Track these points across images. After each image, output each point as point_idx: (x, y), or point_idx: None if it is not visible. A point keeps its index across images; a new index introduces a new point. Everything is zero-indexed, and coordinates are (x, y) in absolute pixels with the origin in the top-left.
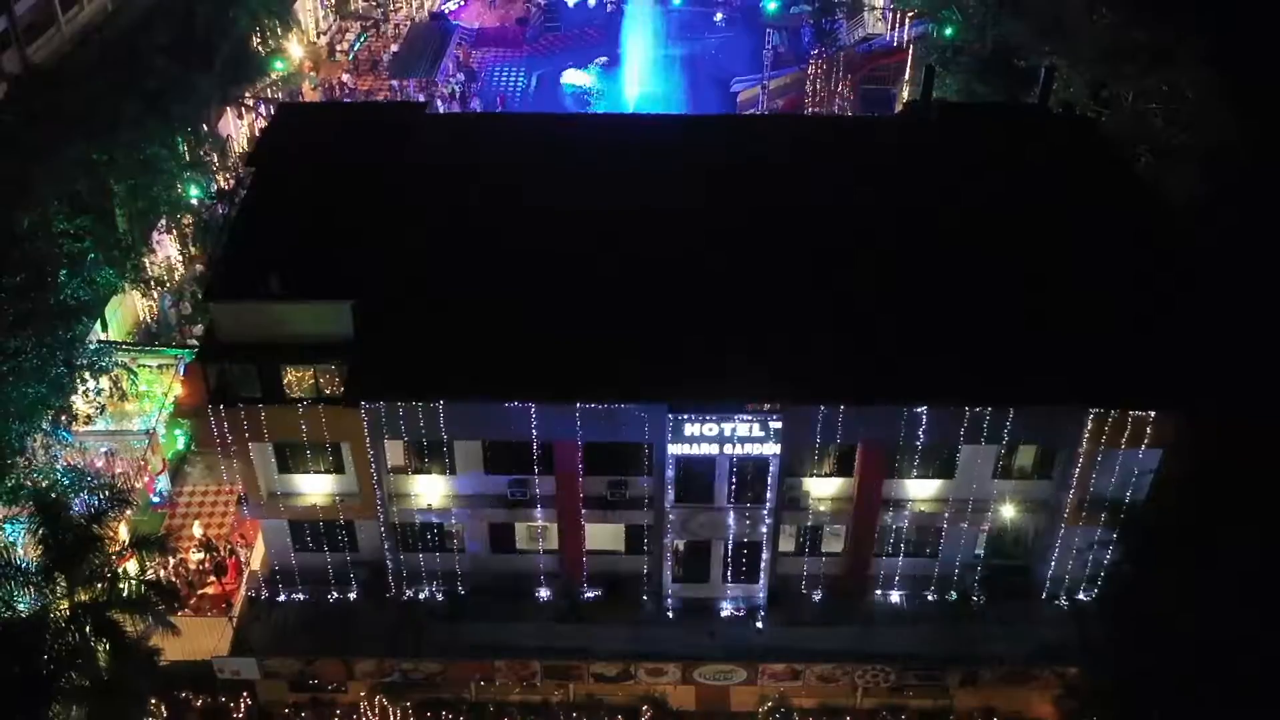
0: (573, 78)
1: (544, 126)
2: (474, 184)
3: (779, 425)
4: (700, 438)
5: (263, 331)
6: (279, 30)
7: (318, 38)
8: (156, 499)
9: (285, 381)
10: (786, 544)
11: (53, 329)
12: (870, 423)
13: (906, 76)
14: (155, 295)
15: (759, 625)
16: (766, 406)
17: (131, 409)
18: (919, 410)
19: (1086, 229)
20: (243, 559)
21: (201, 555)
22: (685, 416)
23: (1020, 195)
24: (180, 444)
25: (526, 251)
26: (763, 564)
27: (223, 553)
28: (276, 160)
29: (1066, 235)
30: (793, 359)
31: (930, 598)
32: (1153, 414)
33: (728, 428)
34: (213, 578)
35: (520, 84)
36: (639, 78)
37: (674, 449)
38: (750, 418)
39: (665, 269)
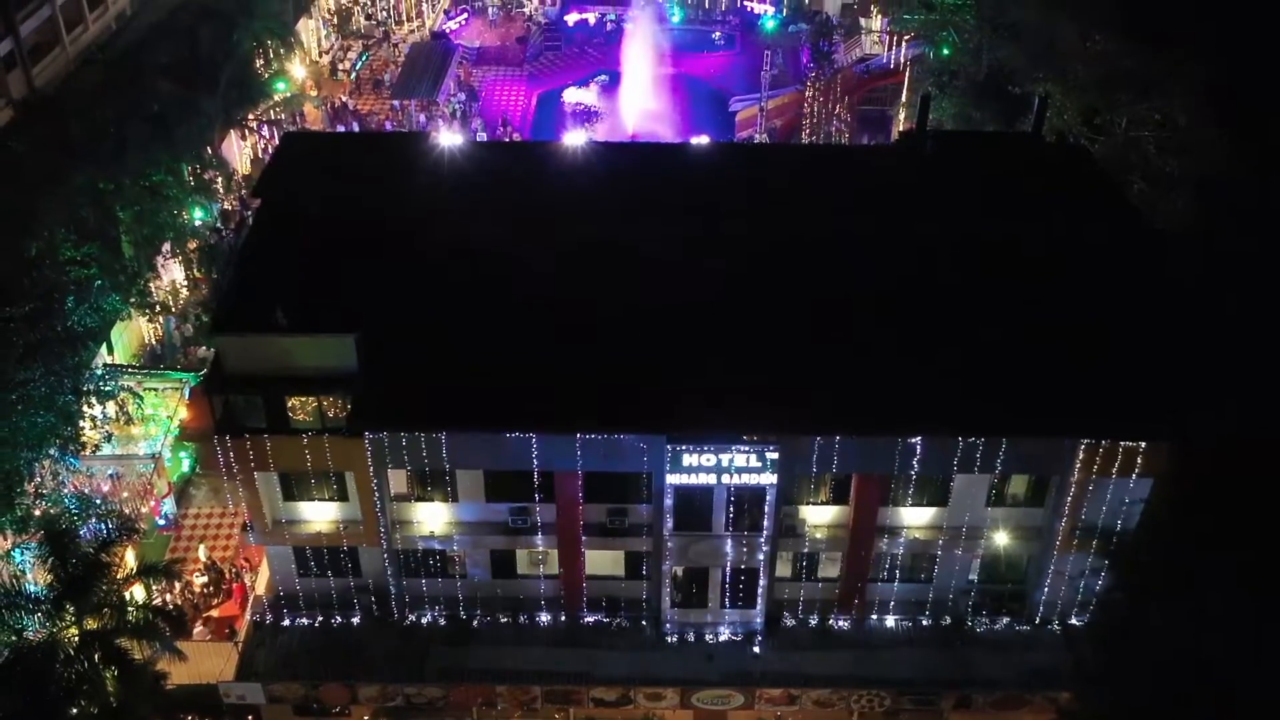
0: (574, 96)
1: (544, 156)
2: (476, 215)
3: (775, 456)
4: (698, 468)
5: (268, 364)
6: (282, 51)
7: (320, 56)
8: (162, 522)
9: (290, 412)
10: (784, 569)
11: (60, 356)
12: (865, 453)
13: (903, 99)
14: (160, 320)
15: (756, 650)
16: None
17: (137, 432)
18: (913, 441)
19: (1079, 259)
20: (247, 583)
21: (205, 579)
22: (683, 447)
23: (1014, 226)
24: (185, 466)
25: (528, 282)
26: (760, 590)
27: (228, 576)
28: (281, 191)
29: (1059, 265)
30: (789, 390)
31: (925, 622)
32: (1143, 444)
33: (725, 458)
34: (217, 600)
35: (521, 102)
36: (638, 96)
37: (672, 478)
38: (747, 449)
39: (663, 300)
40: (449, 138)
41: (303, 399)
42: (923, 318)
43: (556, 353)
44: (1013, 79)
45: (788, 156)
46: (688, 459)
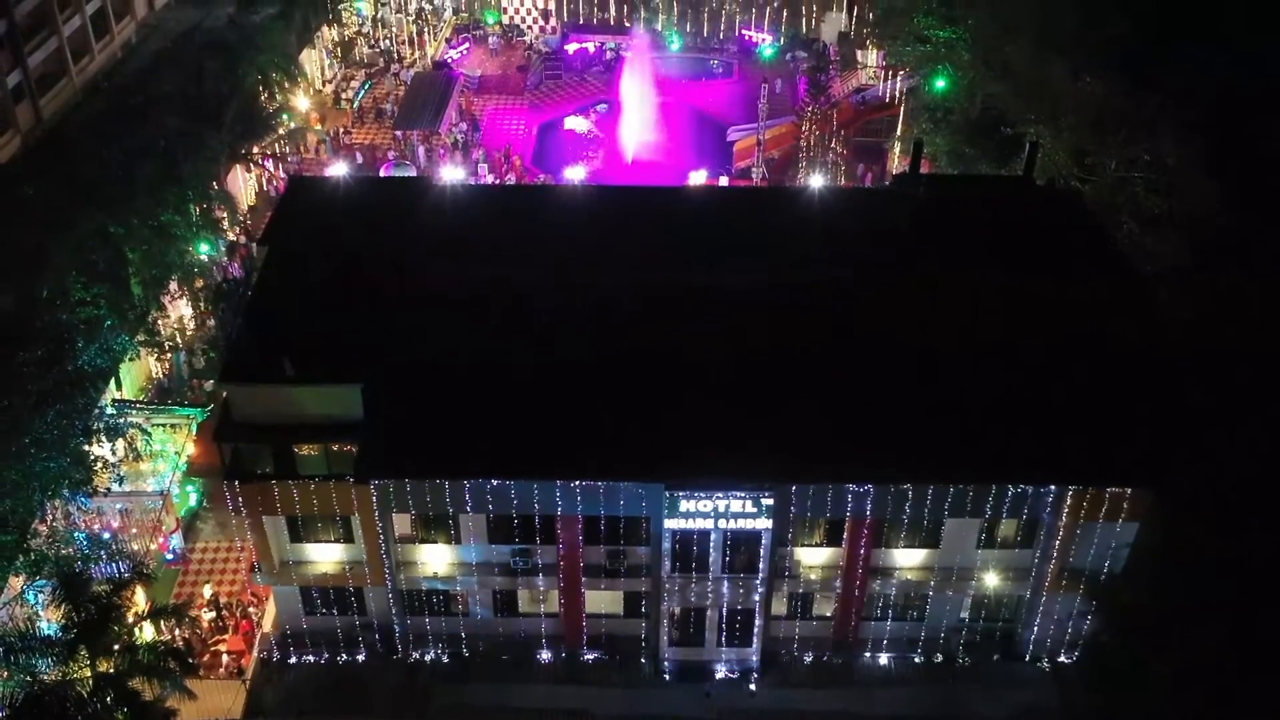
0: (574, 124)
1: (545, 200)
2: (478, 262)
3: (770, 502)
4: (695, 513)
5: (276, 412)
6: (286, 84)
7: (323, 86)
8: (170, 557)
9: (297, 459)
10: (779, 607)
11: (71, 398)
12: (858, 499)
13: (899, 132)
14: (169, 355)
15: (752, 687)
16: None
17: (145, 469)
18: (904, 488)
19: (1068, 308)
20: (254, 618)
21: (213, 615)
22: (681, 493)
23: (1005, 275)
24: (193, 501)
25: (529, 329)
26: (756, 629)
27: (234, 613)
28: (288, 238)
29: (1049, 314)
30: (783, 438)
31: (917, 660)
32: (1128, 489)
33: (721, 504)
34: (223, 637)
35: (522, 131)
36: (637, 126)
37: (670, 523)
38: (743, 495)
39: (661, 347)
40: (451, 173)
41: (310, 447)
42: (914, 365)
43: (557, 399)
44: (1005, 118)
45: (784, 201)
46: (685, 504)
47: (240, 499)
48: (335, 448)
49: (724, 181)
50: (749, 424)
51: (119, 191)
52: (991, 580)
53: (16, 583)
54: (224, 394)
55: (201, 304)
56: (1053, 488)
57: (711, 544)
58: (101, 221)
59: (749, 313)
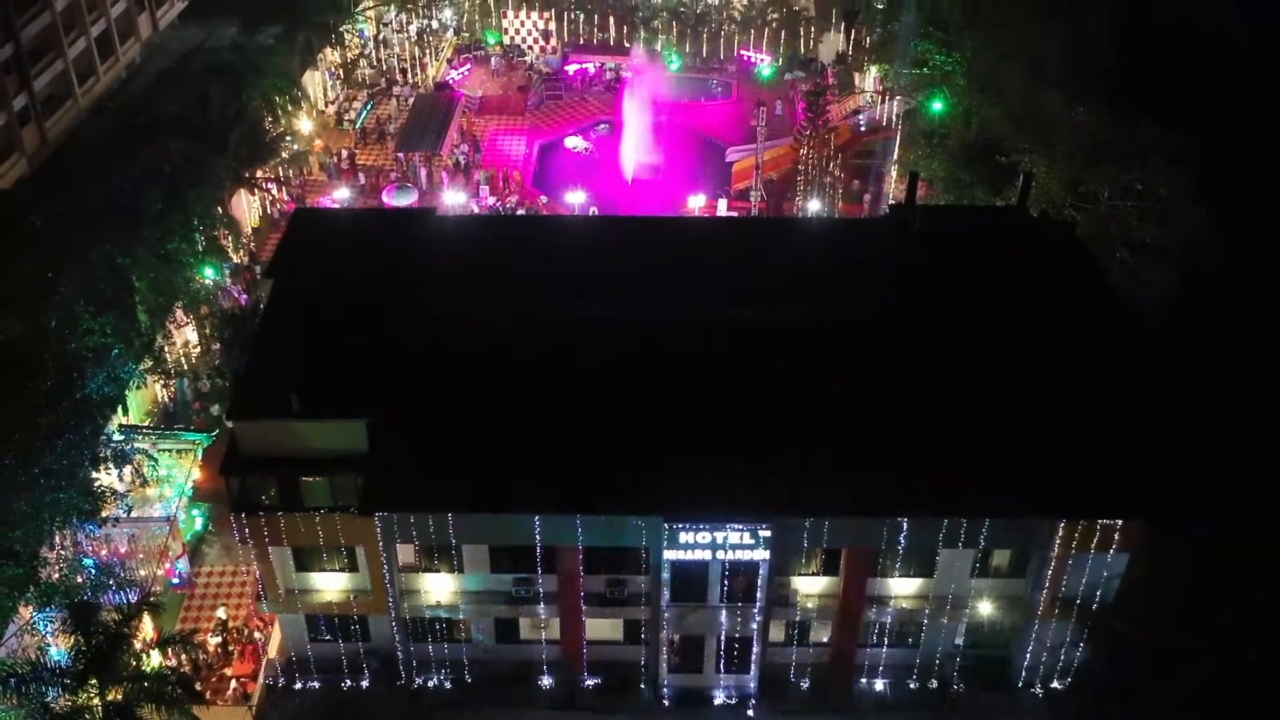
0: (575, 144)
1: (546, 232)
2: (480, 295)
3: (768, 534)
4: (694, 544)
5: (283, 446)
6: (290, 107)
7: (326, 106)
8: (176, 581)
9: (303, 489)
10: (777, 634)
11: (79, 427)
12: (854, 530)
13: (895, 156)
14: (174, 383)
15: (750, 713)
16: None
17: (152, 494)
18: (901, 521)
19: (1060, 342)
20: (260, 642)
21: (219, 639)
22: (680, 526)
23: (998, 309)
24: (198, 525)
25: (530, 364)
26: (754, 656)
27: (240, 637)
28: (293, 272)
29: (1042, 348)
30: (780, 471)
31: (913, 685)
32: (1120, 521)
33: (720, 536)
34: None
35: (523, 152)
36: (637, 146)
37: (669, 554)
38: (741, 527)
39: (660, 379)
40: (453, 196)
41: (316, 480)
42: (909, 399)
43: (558, 431)
44: (1000, 146)
45: (781, 232)
46: (684, 536)
47: (247, 530)
48: (340, 479)
49: (723, 204)
50: (747, 456)
51: (126, 221)
52: (985, 608)
53: (26, 612)
54: (231, 427)
55: (208, 329)
56: (1045, 521)
57: (710, 574)
58: (109, 251)
59: (747, 346)
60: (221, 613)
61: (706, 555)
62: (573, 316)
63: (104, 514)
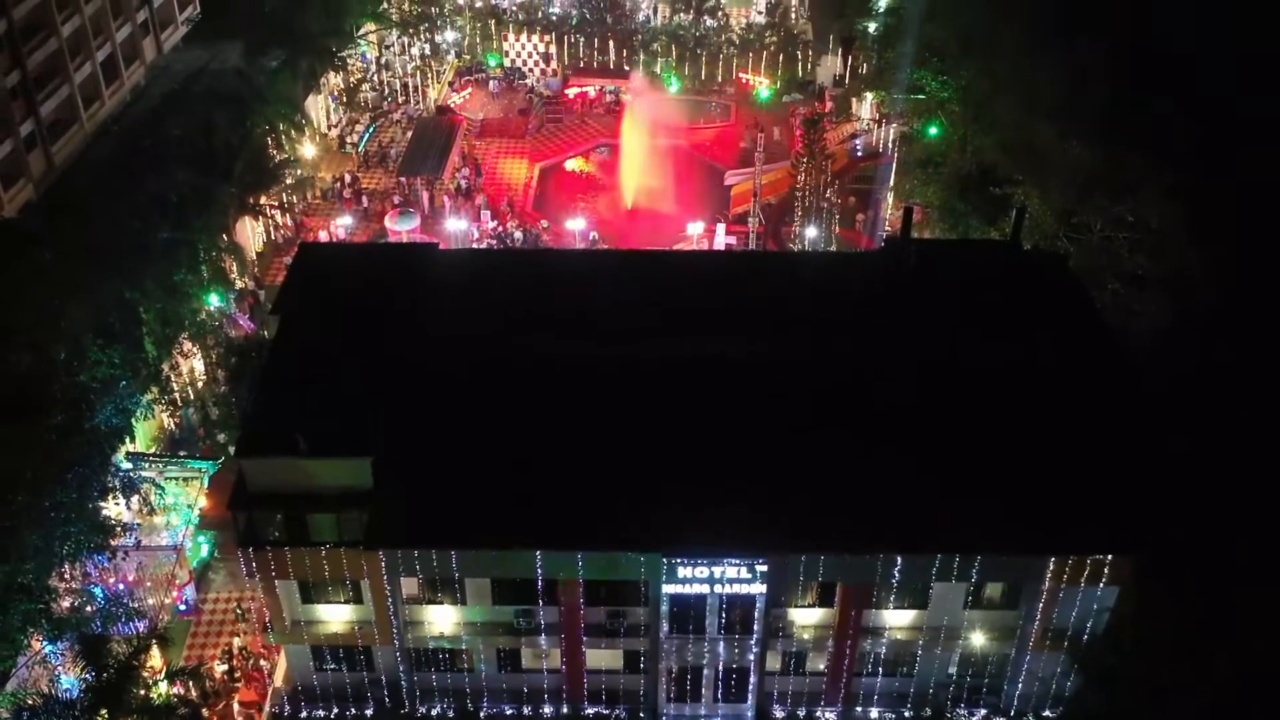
0: (574, 167)
1: (547, 266)
2: (482, 331)
3: (765, 568)
4: (692, 579)
5: (289, 483)
6: (293, 134)
7: (328, 130)
8: (183, 607)
9: (309, 527)
10: (773, 663)
11: (89, 459)
12: (849, 565)
13: (891, 182)
14: (180, 412)
15: None
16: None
17: (159, 522)
18: (894, 557)
19: (1052, 378)
20: (266, 669)
21: (225, 667)
22: (678, 561)
23: (991, 345)
24: (204, 552)
25: (531, 400)
26: (751, 685)
27: (246, 663)
28: (299, 310)
29: (1034, 384)
30: (777, 507)
31: (907, 714)
32: (1109, 556)
33: (717, 570)
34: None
35: (523, 175)
36: (637, 170)
37: (668, 588)
38: (738, 562)
39: (658, 416)
40: (454, 223)
41: (321, 516)
42: (904, 435)
43: (560, 467)
44: (995, 176)
45: (777, 267)
46: (683, 571)
47: (254, 565)
48: (346, 515)
49: (721, 229)
50: (745, 492)
51: (135, 254)
52: (978, 639)
53: (38, 643)
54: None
55: (213, 357)
56: (1036, 556)
57: (708, 607)
58: (118, 286)
59: (745, 382)
60: (237, 642)
61: (705, 589)
62: (573, 353)
63: (113, 546)
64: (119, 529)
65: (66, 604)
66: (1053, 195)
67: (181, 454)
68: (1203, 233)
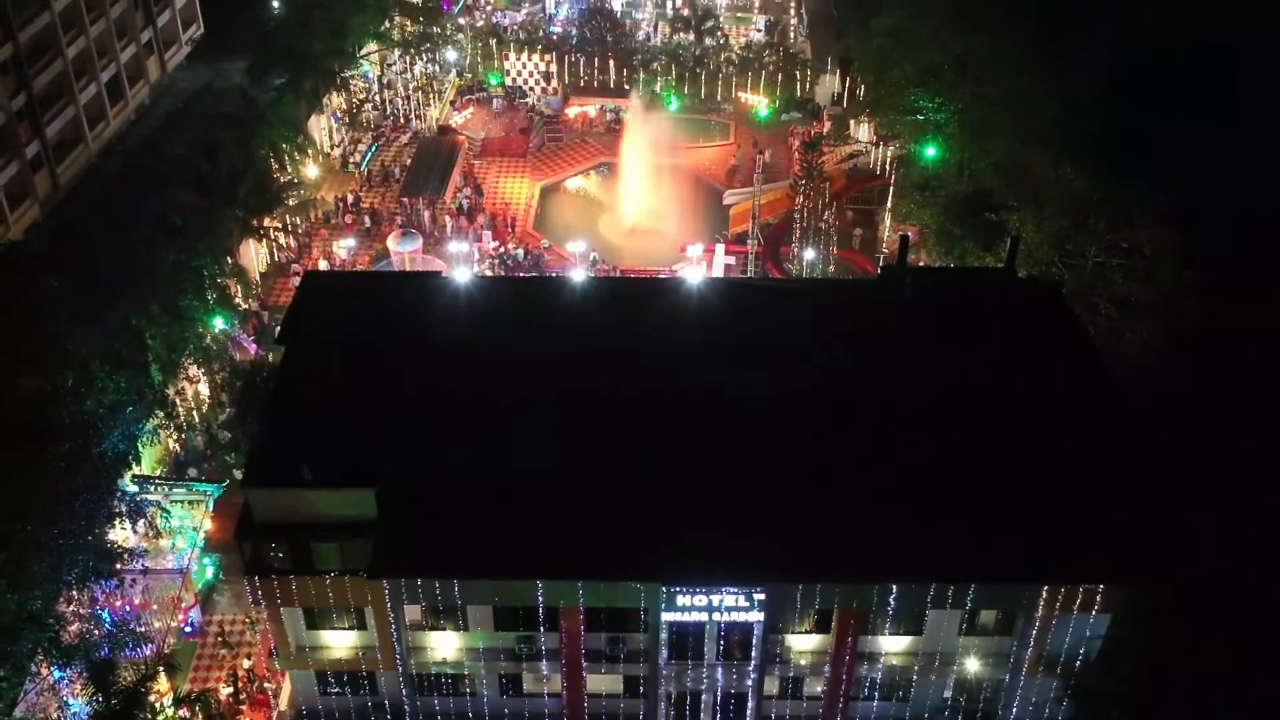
0: (574, 186)
1: (550, 295)
2: (487, 360)
3: (762, 597)
4: (691, 607)
5: (295, 513)
6: (296, 155)
7: (331, 150)
8: (188, 629)
9: (314, 556)
10: (771, 687)
11: (95, 486)
12: (845, 593)
13: (889, 205)
14: (184, 439)
15: None
16: None
17: (165, 544)
18: (890, 586)
19: (1047, 409)
20: (271, 691)
21: (230, 690)
22: (678, 590)
23: (986, 376)
24: (209, 574)
25: (532, 429)
26: (749, 710)
27: (251, 685)
28: (303, 339)
29: (1029, 414)
30: (774, 536)
31: None
32: (1100, 585)
33: (716, 599)
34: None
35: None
36: (637, 186)
37: (667, 616)
38: (736, 591)
39: (657, 445)
40: (456, 246)
41: (326, 545)
42: (899, 465)
43: (561, 498)
44: (991, 201)
45: (774, 297)
46: (681, 600)
47: (260, 592)
48: (350, 544)
49: (720, 249)
50: (743, 521)
51: (141, 281)
52: (973, 665)
53: (46, 670)
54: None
55: (218, 381)
56: (1027, 586)
57: (707, 634)
58: (125, 312)
59: (741, 414)
60: (246, 663)
61: (703, 617)
62: (574, 383)
63: (120, 573)
64: (126, 555)
65: (74, 628)
66: (1047, 220)
67: (190, 473)
68: (1196, 257)
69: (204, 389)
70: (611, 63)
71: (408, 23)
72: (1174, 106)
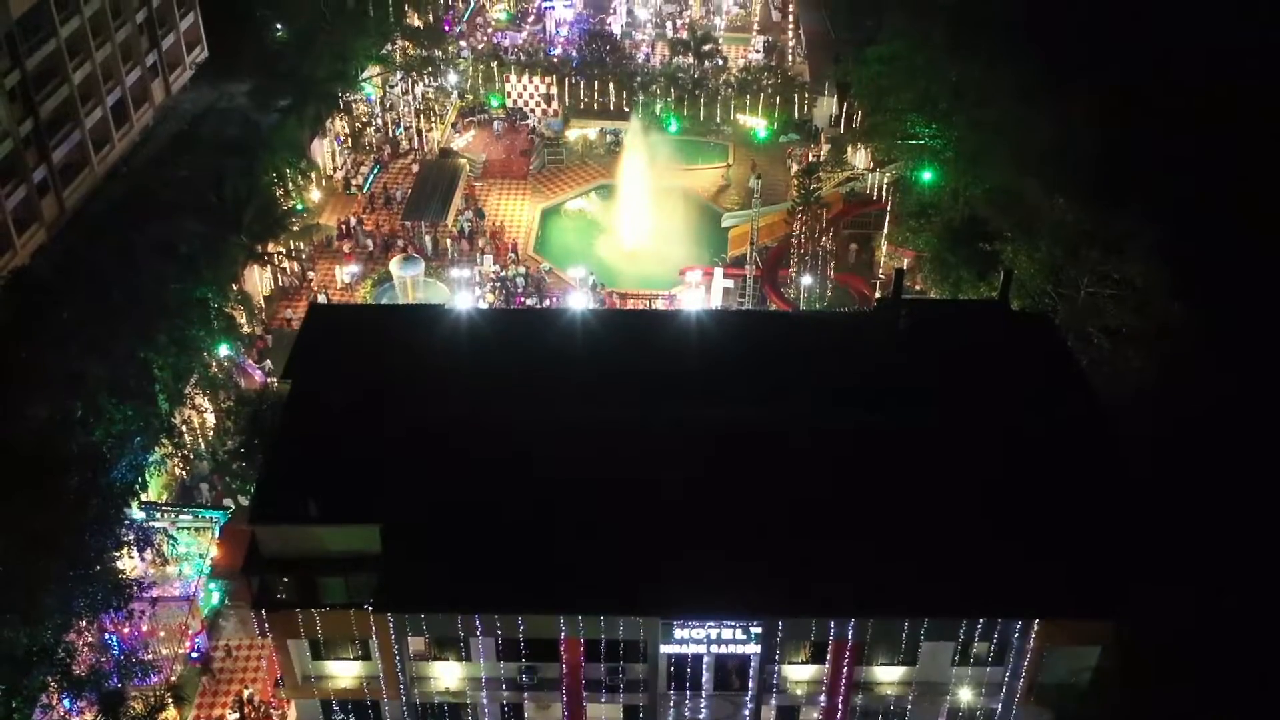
0: (575, 207)
1: (552, 328)
2: (489, 395)
3: (759, 630)
4: (689, 639)
5: (301, 548)
6: (300, 180)
7: (333, 172)
8: (195, 655)
9: (320, 590)
10: (768, 717)
11: (104, 515)
12: (840, 625)
13: (885, 231)
14: (191, 466)
15: None
16: None
17: (171, 571)
18: (884, 620)
19: (1038, 443)
20: (275, 717)
21: (236, 716)
22: (676, 622)
23: (979, 410)
24: (216, 600)
25: (534, 463)
26: None
27: (257, 710)
28: (309, 374)
29: (1020, 449)
30: (771, 570)
31: None
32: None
33: (713, 632)
34: None
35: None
36: (636, 208)
37: (666, 648)
38: (733, 624)
39: (658, 480)
40: (458, 271)
41: (332, 579)
42: (894, 499)
43: (562, 531)
44: (985, 229)
45: (771, 328)
46: (679, 632)
47: (267, 625)
48: (355, 578)
49: (719, 272)
50: (740, 555)
51: (149, 312)
52: (966, 695)
53: (56, 700)
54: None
55: (223, 408)
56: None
57: (704, 665)
58: (132, 343)
59: (739, 448)
60: (247, 692)
61: (701, 649)
62: (574, 418)
63: (129, 604)
64: (134, 587)
65: (83, 657)
66: (1041, 250)
67: (201, 499)
68: (1188, 288)
69: (210, 419)
70: (611, 85)
71: (409, 45)
72: (1167, 141)
